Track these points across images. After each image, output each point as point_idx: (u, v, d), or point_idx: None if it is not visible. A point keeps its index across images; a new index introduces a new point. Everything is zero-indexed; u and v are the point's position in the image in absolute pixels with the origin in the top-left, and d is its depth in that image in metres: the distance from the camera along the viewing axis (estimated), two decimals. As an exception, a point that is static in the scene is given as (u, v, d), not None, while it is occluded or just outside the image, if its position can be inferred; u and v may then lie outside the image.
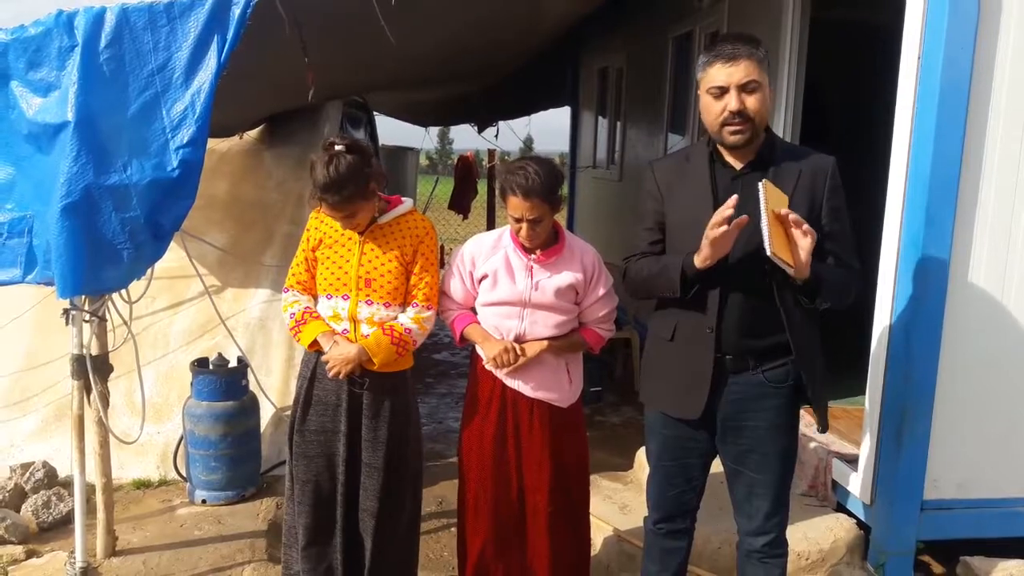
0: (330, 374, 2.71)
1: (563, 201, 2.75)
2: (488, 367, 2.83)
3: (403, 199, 2.84)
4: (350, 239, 2.75)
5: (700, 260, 2.26)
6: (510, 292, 2.76)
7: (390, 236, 2.75)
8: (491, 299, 2.80)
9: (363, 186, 2.61)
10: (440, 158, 33.51)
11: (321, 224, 2.80)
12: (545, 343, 2.77)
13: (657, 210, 2.48)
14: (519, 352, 2.74)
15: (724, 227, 2.18)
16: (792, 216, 2.16)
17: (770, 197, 2.16)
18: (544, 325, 2.78)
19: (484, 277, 2.80)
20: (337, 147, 2.60)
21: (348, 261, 2.74)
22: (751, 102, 2.24)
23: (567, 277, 2.74)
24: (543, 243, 2.75)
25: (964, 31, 2.94)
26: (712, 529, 3.23)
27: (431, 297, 2.78)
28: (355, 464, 2.80)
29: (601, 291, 2.81)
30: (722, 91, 2.25)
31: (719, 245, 2.22)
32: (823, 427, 2.55)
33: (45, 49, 2.98)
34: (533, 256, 2.75)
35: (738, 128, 2.26)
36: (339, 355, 2.68)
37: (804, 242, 2.16)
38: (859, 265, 2.40)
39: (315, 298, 2.83)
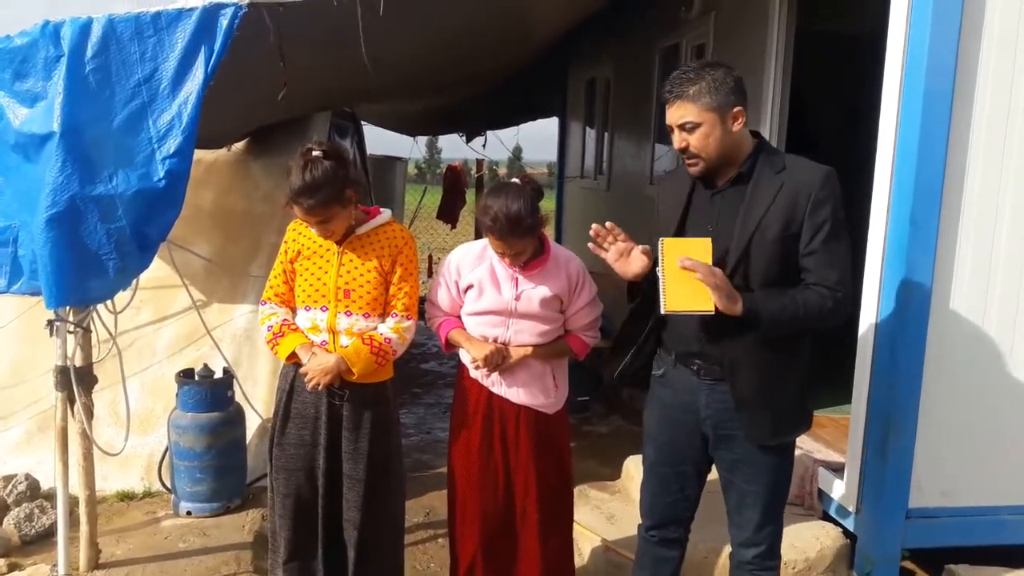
0: (308, 386, 2.69)
1: (545, 221, 2.75)
2: (473, 372, 2.84)
3: (382, 210, 2.83)
4: (328, 250, 2.74)
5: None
6: (495, 302, 2.77)
7: (369, 246, 2.75)
8: (476, 308, 2.81)
9: (339, 191, 2.60)
10: (428, 168, 33.51)
11: (299, 236, 2.80)
12: (529, 349, 2.79)
13: (655, 228, 2.55)
14: (506, 353, 2.76)
15: (604, 251, 2.36)
16: (687, 264, 2.19)
17: (672, 252, 2.22)
18: (529, 334, 2.79)
19: (470, 287, 2.81)
20: (314, 152, 2.60)
21: (327, 272, 2.73)
22: (692, 140, 2.30)
23: (552, 287, 2.76)
24: (528, 258, 2.76)
25: (947, 39, 2.97)
26: (699, 537, 3.22)
27: (411, 307, 2.77)
28: (336, 476, 2.78)
29: (585, 299, 2.82)
30: (671, 129, 2.35)
31: (618, 265, 2.37)
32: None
33: (31, 60, 2.97)
34: (518, 267, 2.77)
35: (690, 163, 2.35)
36: (317, 366, 2.67)
37: (713, 284, 2.19)
38: (840, 287, 2.25)
39: (293, 310, 2.81)
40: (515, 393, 2.82)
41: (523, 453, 2.83)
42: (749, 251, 2.29)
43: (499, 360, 2.76)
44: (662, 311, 2.24)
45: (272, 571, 2.95)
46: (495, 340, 2.79)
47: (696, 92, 2.26)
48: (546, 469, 2.86)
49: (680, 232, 2.39)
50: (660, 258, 2.23)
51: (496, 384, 2.82)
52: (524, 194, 2.65)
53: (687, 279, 2.19)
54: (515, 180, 2.75)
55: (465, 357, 2.87)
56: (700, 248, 2.24)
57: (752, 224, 2.29)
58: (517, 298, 2.76)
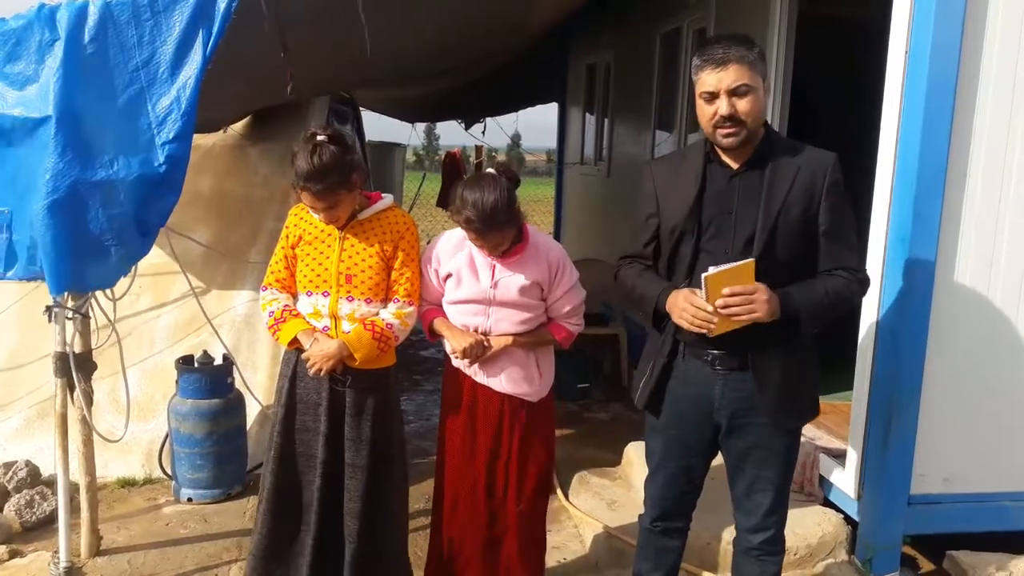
0: (311, 372, 2.68)
1: (520, 215, 2.71)
2: (455, 361, 2.83)
3: (383, 195, 2.81)
4: (330, 235, 2.73)
5: (676, 320, 2.32)
6: (474, 290, 2.75)
7: (371, 232, 2.73)
8: (456, 297, 2.79)
9: (346, 176, 2.59)
10: (427, 154, 33.40)
11: (301, 221, 2.78)
12: (510, 339, 2.76)
13: (652, 212, 2.48)
14: (486, 344, 2.74)
15: (696, 324, 2.25)
16: (722, 302, 2.19)
17: (717, 284, 2.19)
18: (510, 322, 2.77)
19: (449, 276, 2.79)
20: (320, 137, 2.59)
21: (328, 257, 2.71)
22: (742, 105, 2.23)
23: (530, 275, 2.73)
24: (507, 247, 2.73)
25: (951, 24, 2.95)
26: (702, 525, 3.23)
27: (412, 293, 2.76)
28: (334, 465, 2.76)
29: (566, 286, 2.79)
30: (712, 96, 2.26)
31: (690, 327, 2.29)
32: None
33: (24, 42, 2.94)
34: (496, 256, 2.74)
35: (730, 131, 2.26)
36: (319, 352, 2.65)
37: (765, 312, 2.20)
38: (861, 267, 2.39)
39: (294, 296, 2.79)
40: (498, 382, 2.80)
41: (505, 442, 2.82)
42: (775, 233, 2.30)
43: (479, 352, 2.74)
44: (709, 336, 2.26)
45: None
46: (475, 329, 2.76)
47: (752, 56, 2.24)
48: (529, 458, 2.85)
49: (697, 214, 2.35)
50: (704, 293, 2.20)
51: (478, 374, 2.81)
52: (500, 185, 2.61)
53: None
54: (490, 171, 2.70)
55: (448, 346, 2.86)
56: (744, 272, 2.21)
57: (776, 206, 2.29)
58: (494, 286, 2.74)
